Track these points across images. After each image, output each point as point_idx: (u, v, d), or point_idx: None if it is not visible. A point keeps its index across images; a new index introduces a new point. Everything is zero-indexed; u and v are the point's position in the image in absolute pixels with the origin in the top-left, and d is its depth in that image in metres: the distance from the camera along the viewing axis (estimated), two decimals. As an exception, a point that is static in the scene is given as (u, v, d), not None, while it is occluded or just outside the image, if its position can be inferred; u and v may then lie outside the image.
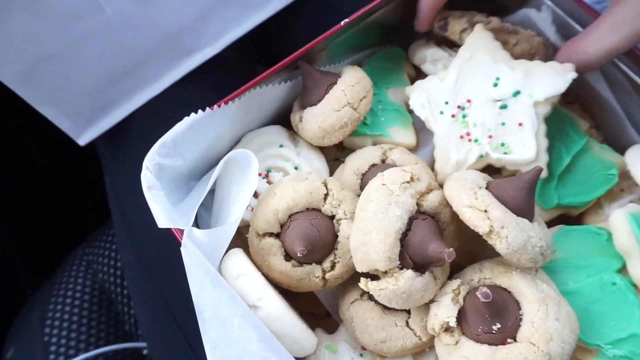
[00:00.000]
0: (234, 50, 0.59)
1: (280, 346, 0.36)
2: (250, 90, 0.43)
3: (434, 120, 0.45)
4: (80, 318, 0.67)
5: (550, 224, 0.43)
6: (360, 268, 0.37)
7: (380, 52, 0.53)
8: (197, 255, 0.37)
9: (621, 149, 0.44)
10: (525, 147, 0.41)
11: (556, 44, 0.48)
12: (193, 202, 0.41)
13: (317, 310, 0.46)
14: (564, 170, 0.44)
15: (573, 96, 0.51)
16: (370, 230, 0.36)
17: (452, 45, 0.53)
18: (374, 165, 0.45)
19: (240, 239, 0.43)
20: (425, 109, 0.45)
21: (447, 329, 0.37)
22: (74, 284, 0.70)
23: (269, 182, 0.45)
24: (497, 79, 0.43)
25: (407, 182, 0.38)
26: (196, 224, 0.47)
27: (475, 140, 0.43)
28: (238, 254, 0.40)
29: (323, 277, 0.40)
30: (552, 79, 0.42)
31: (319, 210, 0.40)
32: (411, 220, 0.37)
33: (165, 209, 0.38)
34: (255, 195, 0.44)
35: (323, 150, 0.48)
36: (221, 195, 0.44)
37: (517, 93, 0.43)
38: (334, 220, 0.40)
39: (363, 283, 0.37)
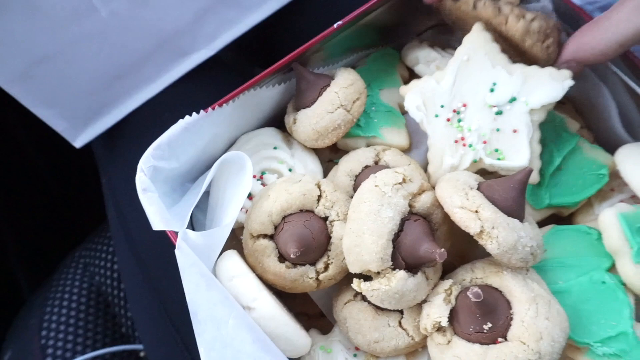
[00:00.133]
0: (231, 51, 0.59)
1: (274, 347, 0.36)
2: (244, 92, 0.44)
3: (428, 122, 0.45)
4: (77, 320, 0.67)
5: (541, 223, 0.43)
6: (353, 269, 0.37)
7: (374, 53, 0.53)
8: (191, 257, 0.37)
9: (611, 149, 0.45)
10: (519, 154, 0.42)
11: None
12: (188, 204, 0.42)
13: (311, 311, 0.46)
14: (555, 170, 0.44)
15: (565, 96, 0.51)
16: (363, 232, 0.36)
17: (445, 47, 0.53)
18: (367, 166, 0.45)
19: (235, 241, 0.44)
20: (420, 112, 0.45)
21: (439, 329, 0.37)
22: (71, 286, 0.70)
23: (263, 184, 0.45)
24: (494, 84, 0.43)
25: (399, 183, 0.38)
26: (191, 225, 0.47)
27: (470, 145, 0.43)
28: (232, 255, 0.40)
29: (317, 278, 0.40)
30: (549, 86, 0.41)
31: (313, 212, 0.41)
32: (403, 221, 0.37)
33: (159, 211, 0.39)
34: (250, 197, 0.44)
35: (317, 152, 0.48)
36: (216, 197, 0.44)
37: (513, 100, 0.42)
38: (327, 222, 0.41)
39: (356, 284, 0.37)
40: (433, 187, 0.40)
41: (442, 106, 0.45)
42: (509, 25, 0.43)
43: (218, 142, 0.46)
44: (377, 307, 0.40)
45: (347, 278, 0.41)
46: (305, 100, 0.46)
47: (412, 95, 0.46)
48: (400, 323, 0.40)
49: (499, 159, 0.42)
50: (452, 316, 0.37)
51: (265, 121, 0.50)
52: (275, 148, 0.47)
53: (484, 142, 0.43)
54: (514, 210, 0.37)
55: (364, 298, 0.41)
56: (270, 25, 0.58)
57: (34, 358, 0.64)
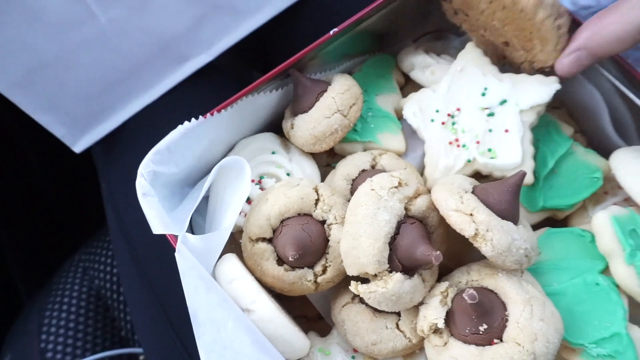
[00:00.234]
0: (228, 56, 0.60)
1: (273, 349, 0.37)
2: (242, 98, 0.44)
3: (425, 127, 0.47)
4: (77, 324, 0.67)
5: (536, 226, 0.44)
6: (350, 272, 0.38)
7: (370, 59, 0.54)
8: (191, 260, 0.38)
9: (604, 153, 0.46)
10: (511, 153, 0.43)
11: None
12: (187, 208, 0.42)
13: (310, 314, 0.46)
14: (549, 173, 0.45)
15: (558, 101, 0.52)
16: (360, 235, 0.37)
17: (441, 53, 0.54)
18: (364, 170, 0.46)
19: (234, 244, 0.44)
20: (417, 117, 0.47)
21: (436, 331, 0.38)
22: (71, 290, 0.70)
23: (261, 188, 0.46)
24: (485, 88, 0.45)
25: (395, 187, 0.39)
26: (191, 229, 0.48)
27: (464, 146, 0.44)
28: (231, 258, 0.41)
29: (315, 281, 0.41)
30: (537, 89, 0.43)
31: (310, 216, 0.41)
32: (400, 224, 0.38)
33: (159, 215, 0.39)
34: (248, 201, 0.45)
35: (314, 156, 0.49)
36: (215, 202, 0.45)
37: (503, 102, 0.44)
38: (325, 225, 0.41)
39: (353, 286, 0.38)
40: (429, 191, 0.41)
41: (437, 111, 0.46)
42: None
43: (216, 147, 0.47)
44: (375, 310, 0.40)
45: (344, 281, 0.41)
46: (303, 106, 0.47)
47: (410, 104, 0.48)
48: (397, 325, 0.40)
49: (492, 158, 0.43)
50: (449, 318, 0.37)
51: (263, 126, 0.50)
52: (273, 153, 0.48)
53: (477, 143, 0.44)
54: (508, 213, 0.38)
55: (361, 300, 0.41)
56: (267, 31, 0.59)
57: (34, 361, 0.64)
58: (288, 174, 0.47)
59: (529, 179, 0.42)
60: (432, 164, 0.45)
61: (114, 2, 0.53)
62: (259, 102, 0.46)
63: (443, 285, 0.39)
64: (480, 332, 0.36)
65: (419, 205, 0.39)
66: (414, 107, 0.48)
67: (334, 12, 0.59)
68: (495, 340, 0.36)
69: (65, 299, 0.69)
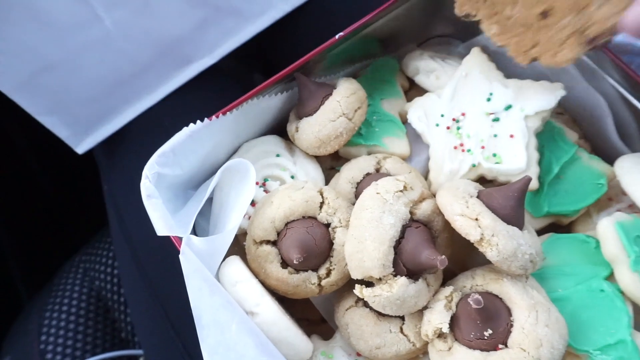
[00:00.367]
0: (232, 59, 0.60)
1: (276, 352, 0.37)
2: (247, 101, 0.44)
3: (429, 132, 0.47)
4: (77, 325, 0.67)
5: (541, 232, 0.44)
6: (355, 275, 0.38)
7: (375, 63, 0.54)
8: (195, 262, 0.38)
9: (608, 159, 0.46)
10: (516, 158, 0.43)
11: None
12: (191, 211, 0.42)
13: (313, 317, 0.46)
14: (554, 179, 0.45)
15: (563, 107, 0.52)
16: (364, 238, 0.37)
17: (445, 57, 0.54)
18: (368, 174, 0.46)
19: (238, 247, 0.44)
20: (421, 122, 0.47)
21: (440, 335, 0.37)
22: (71, 291, 0.70)
23: (266, 191, 0.46)
24: (491, 94, 0.45)
25: (401, 191, 0.39)
26: (194, 232, 0.48)
27: (468, 150, 0.44)
28: (235, 261, 0.41)
29: (319, 284, 0.41)
30: (542, 95, 0.43)
31: (315, 219, 0.41)
32: (404, 228, 0.38)
33: (164, 217, 0.39)
34: (253, 203, 0.45)
35: (319, 159, 0.49)
36: (219, 204, 0.45)
37: (509, 107, 0.44)
38: (330, 228, 0.41)
39: (358, 290, 0.38)
40: (434, 195, 0.41)
41: (442, 115, 0.46)
42: None
43: (221, 150, 0.47)
44: (379, 313, 0.40)
45: (348, 284, 0.41)
46: (308, 109, 0.47)
47: (415, 109, 0.48)
48: (401, 329, 0.40)
49: (497, 163, 0.43)
50: (453, 323, 0.37)
51: (267, 129, 0.50)
52: (277, 155, 0.48)
53: (482, 147, 0.44)
54: (513, 218, 0.38)
55: (365, 304, 0.41)
56: (269, 35, 0.59)
57: (33, 363, 0.64)
58: (292, 177, 0.47)
59: (533, 184, 0.42)
60: (437, 168, 0.45)
61: (119, 5, 0.53)
62: (263, 105, 0.46)
63: (447, 290, 0.38)
64: (485, 337, 0.36)
65: (424, 209, 0.39)
66: (418, 111, 0.48)
67: (336, 17, 0.59)
68: (500, 346, 0.36)
69: (65, 300, 0.69)
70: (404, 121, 0.50)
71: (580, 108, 0.50)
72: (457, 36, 0.58)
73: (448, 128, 0.46)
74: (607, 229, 0.39)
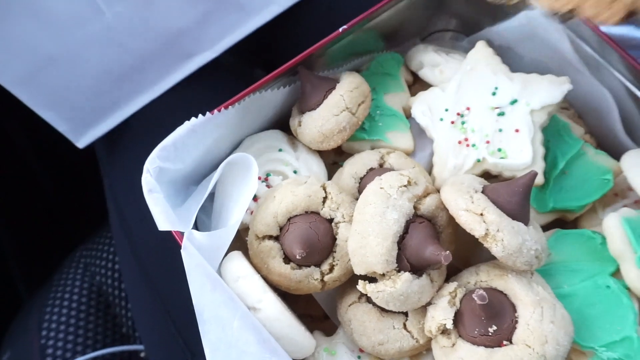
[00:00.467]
0: (233, 54, 0.60)
1: (279, 348, 0.36)
2: (249, 95, 0.44)
3: (433, 127, 0.46)
4: (78, 321, 0.67)
5: (546, 228, 0.44)
6: (358, 271, 0.37)
7: (378, 57, 0.53)
8: (197, 257, 0.37)
9: (614, 154, 0.45)
10: (521, 153, 0.42)
11: (564, 48, 0.47)
12: (193, 205, 0.42)
13: (315, 313, 0.46)
14: (559, 174, 0.45)
15: (568, 102, 0.51)
16: (368, 234, 0.36)
17: (450, 51, 0.53)
18: (372, 169, 0.45)
19: (240, 242, 0.44)
20: (425, 116, 0.47)
21: (444, 331, 0.37)
22: (72, 286, 0.70)
23: (268, 186, 0.45)
24: (496, 88, 0.45)
25: (405, 185, 0.38)
26: (196, 227, 0.47)
27: (473, 145, 0.44)
28: (237, 256, 0.40)
29: (322, 280, 0.40)
30: (548, 89, 0.43)
31: (318, 214, 0.41)
32: (408, 223, 0.37)
33: (165, 212, 0.39)
34: (255, 198, 0.44)
35: (321, 154, 0.49)
36: (221, 199, 0.44)
37: (514, 101, 0.44)
38: (333, 224, 0.41)
39: (361, 285, 0.37)
40: (438, 190, 0.40)
41: (446, 110, 0.46)
42: None
43: (223, 144, 0.46)
44: (382, 309, 0.40)
45: (351, 280, 0.41)
46: (311, 103, 0.46)
47: (419, 103, 0.48)
48: (405, 325, 0.40)
49: (502, 158, 0.43)
50: (457, 319, 0.37)
51: (270, 124, 0.50)
52: (280, 150, 0.47)
53: (487, 142, 0.43)
54: (519, 214, 0.37)
55: (368, 300, 0.41)
56: (272, 29, 0.59)
57: (34, 358, 0.64)
58: (295, 172, 0.46)
59: (539, 179, 0.42)
60: (441, 163, 0.45)
61: (120, -2, 0.53)
62: (266, 99, 0.46)
63: (451, 286, 0.38)
64: (490, 334, 0.35)
65: (428, 204, 0.39)
66: (422, 106, 0.47)
67: (337, 12, 0.59)
68: (505, 342, 0.35)
69: (66, 295, 0.69)
70: (408, 116, 0.50)
71: (585, 102, 0.49)
72: (461, 30, 0.58)
73: (452, 122, 0.45)
74: (614, 224, 0.39)
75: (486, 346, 0.36)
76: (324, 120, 0.45)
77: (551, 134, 0.45)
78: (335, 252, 0.40)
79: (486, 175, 0.44)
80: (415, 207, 0.38)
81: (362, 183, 0.45)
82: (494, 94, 0.44)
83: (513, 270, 0.38)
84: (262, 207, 0.41)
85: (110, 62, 0.56)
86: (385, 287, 0.36)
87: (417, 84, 0.54)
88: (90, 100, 0.57)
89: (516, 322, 0.36)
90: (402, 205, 0.37)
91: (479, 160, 0.43)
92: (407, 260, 0.37)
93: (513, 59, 0.50)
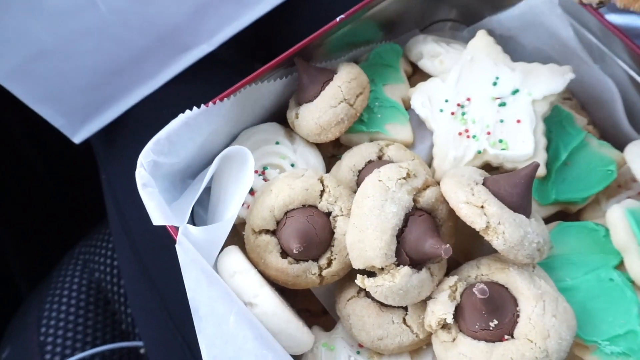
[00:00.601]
0: (230, 48, 0.59)
1: (276, 344, 0.36)
2: (245, 87, 0.43)
3: (433, 118, 0.46)
4: (77, 317, 0.66)
5: (548, 220, 0.43)
6: (356, 265, 0.37)
7: (376, 49, 0.53)
8: (192, 252, 0.37)
9: (617, 145, 0.44)
10: (523, 144, 0.41)
11: (566, 36, 0.46)
12: (189, 200, 0.41)
13: (314, 308, 0.45)
14: (562, 165, 0.44)
15: (571, 92, 0.51)
16: (366, 227, 0.36)
17: (450, 42, 0.53)
18: (370, 161, 0.44)
19: (237, 237, 0.43)
20: (425, 108, 0.46)
21: (444, 326, 0.37)
22: (71, 283, 0.69)
23: (265, 179, 0.45)
24: (497, 78, 0.44)
25: (404, 178, 0.38)
26: (192, 221, 0.47)
27: (474, 137, 0.43)
28: (234, 251, 0.40)
29: (320, 274, 0.40)
30: (550, 78, 0.42)
31: (315, 207, 0.40)
32: (407, 216, 0.37)
33: (160, 206, 0.38)
34: (252, 192, 0.44)
35: (319, 147, 0.48)
36: (217, 193, 0.44)
37: (516, 91, 0.43)
38: (331, 217, 0.40)
39: (360, 280, 0.37)
40: (438, 183, 0.40)
41: (446, 101, 0.45)
42: None
43: (218, 137, 0.46)
44: (381, 304, 0.39)
45: (350, 274, 0.40)
46: (308, 95, 0.46)
47: (418, 94, 0.47)
48: (404, 320, 0.39)
49: (503, 149, 0.42)
50: (457, 313, 0.36)
51: (266, 116, 0.49)
52: (277, 143, 0.47)
53: (488, 133, 0.43)
54: (520, 206, 0.37)
55: (367, 294, 0.40)
56: (269, 22, 0.58)
57: (33, 355, 0.64)
58: (292, 165, 0.46)
59: (541, 171, 0.41)
60: (441, 155, 0.44)
61: (115, -10, 0.52)
62: (262, 91, 0.45)
63: (452, 280, 0.37)
64: (491, 328, 0.35)
65: (428, 197, 0.38)
66: (422, 97, 0.46)
67: (337, 3, 0.58)
68: (506, 337, 0.35)
69: (65, 292, 0.68)
70: (407, 107, 0.49)
71: (589, 92, 0.48)
72: (462, 20, 0.57)
73: (453, 114, 0.44)
74: (617, 216, 0.38)
75: (487, 341, 0.35)
76: (322, 112, 0.44)
77: (553, 124, 0.45)
78: (333, 246, 0.40)
79: (487, 167, 0.43)
80: (414, 200, 0.38)
81: (360, 176, 0.44)
82: (494, 84, 0.43)
83: (514, 264, 0.37)
84: (259, 201, 0.40)
85: (105, 55, 0.56)
86: (384, 281, 0.36)
87: (417, 75, 0.53)
88: (85, 94, 0.57)
89: (518, 316, 0.35)
90: (401, 198, 0.37)
91: (479, 152, 0.43)
92: (406, 254, 0.36)
93: (515, 49, 0.50)
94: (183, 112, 0.41)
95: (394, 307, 0.39)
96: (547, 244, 0.37)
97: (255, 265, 0.40)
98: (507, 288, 0.37)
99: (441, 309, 0.36)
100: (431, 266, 0.38)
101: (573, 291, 0.38)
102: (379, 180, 0.37)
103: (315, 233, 0.39)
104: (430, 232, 0.36)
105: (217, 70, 0.60)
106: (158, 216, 0.38)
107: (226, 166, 0.42)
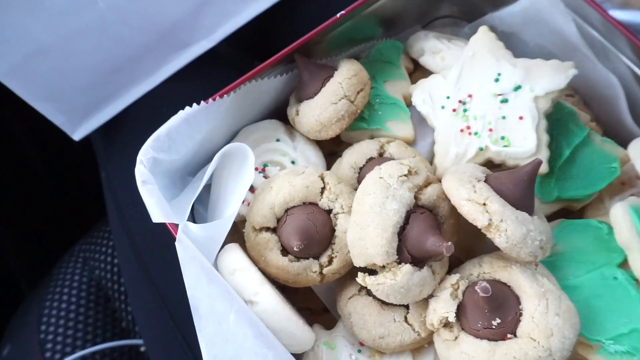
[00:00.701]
0: (230, 46, 0.59)
1: (277, 342, 0.36)
2: (245, 83, 0.43)
3: (434, 115, 0.45)
4: (77, 315, 0.66)
5: (551, 218, 0.43)
6: (358, 263, 0.37)
7: (377, 45, 0.52)
8: (192, 250, 0.36)
9: (620, 141, 0.44)
10: (525, 140, 0.41)
11: (569, 32, 0.46)
12: (188, 197, 0.41)
13: (315, 306, 0.45)
14: (565, 163, 0.43)
15: (574, 88, 0.50)
16: (367, 224, 0.36)
17: (451, 38, 0.52)
18: (371, 158, 0.44)
19: (237, 234, 0.43)
20: (426, 104, 0.46)
21: (446, 325, 0.36)
22: (71, 280, 0.69)
23: (265, 177, 0.45)
24: (499, 74, 0.43)
25: (405, 175, 0.37)
26: (192, 219, 0.47)
27: (475, 134, 0.43)
28: (234, 248, 0.39)
29: (320, 272, 0.39)
30: (553, 74, 0.42)
31: (316, 205, 0.40)
32: (409, 214, 0.36)
33: (159, 204, 0.38)
34: (252, 189, 0.43)
35: (320, 144, 0.48)
36: (217, 190, 0.43)
37: (518, 88, 0.42)
38: (331, 215, 0.40)
39: (361, 278, 0.36)
40: (439, 180, 0.39)
41: (447, 97, 0.45)
42: None
43: (219, 134, 0.45)
44: (382, 302, 0.39)
45: (351, 272, 0.40)
46: (308, 92, 0.45)
47: (419, 91, 0.47)
48: (406, 318, 0.39)
49: (505, 146, 0.41)
50: (460, 311, 0.36)
51: (267, 113, 0.49)
52: (277, 140, 0.46)
53: (490, 130, 0.42)
54: (523, 203, 0.36)
55: (368, 292, 0.40)
56: (269, 19, 0.58)
57: (33, 353, 0.64)
58: (293, 162, 0.45)
59: (543, 168, 0.41)
60: (442, 152, 0.44)
61: (114, -13, 0.52)
62: (262, 87, 0.45)
63: (454, 278, 0.37)
64: (493, 327, 0.34)
65: (430, 194, 0.38)
66: (423, 93, 0.46)
67: (335, 2, 0.58)
68: (509, 335, 0.34)
69: (65, 290, 0.68)
70: (408, 104, 0.49)
71: (591, 89, 0.48)
72: (463, 17, 0.57)
73: (454, 110, 0.44)
74: (621, 214, 0.38)
75: (490, 339, 0.35)
76: (322, 108, 0.44)
77: (556, 121, 0.44)
78: (334, 243, 0.39)
79: (489, 164, 0.43)
80: (416, 197, 0.37)
81: (361, 173, 0.44)
82: (496, 80, 0.43)
83: (517, 262, 0.37)
84: (259, 198, 0.40)
85: (105, 52, 0.55)
86: (386, 279, 0.35)
87: (418, 72, 0.52)
88: (85, 91, 0.57)
89: (520, 314, 0.35)
90: (403, 195, 0.36)
91: (481, 149, 0.42)
92: (407, 252, 0.36)
93: (517, 45, 0.49)
94: (182, 109, 0.41)
95: (396, 305, 0.39)
96: (549, 241, 0.37)
97: (255, 263, 0.39)
98: (509, 286, 0.36)
99: (443, 307, 0.36)
100: (433, 264, 0.37)
101: (576, 289, 0.38)
102: (380, 178, 0.37)
103: (316, 230, 0.38)
104: (431, 230, 0.36)
105: (216, 67, 0.60)
106: (158, 213, 0.37)
107: (226, 163, 0.42)
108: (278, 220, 0.39)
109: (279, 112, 0.49)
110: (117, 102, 0.59)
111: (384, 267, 0.36)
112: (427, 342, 0.40)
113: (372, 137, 0.47)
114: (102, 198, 0.64)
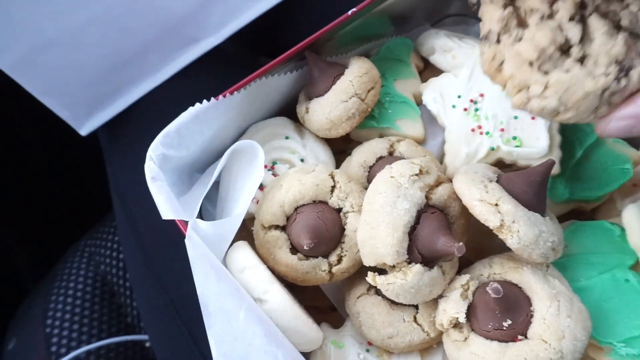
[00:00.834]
0: (236, 43, 0.58)
1: (285, 340, 0.36)
2: (255, 80, 0.43)
3: (445, 114, 0.45)
4: (82, 310, 0.66)
5: (562, 219, 0.42)
6: (367, 262, 0.36)
7: (387, 43, 0.52)
8: (201, 247, 0.36)
9: (634, 143, 0.44)
10: (537, 140, 0.41)
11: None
12: (197, 194, 0.41)
13: (322, 305, 0.45)
14: (576, 163, 0.43)
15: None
16: (378, 224, 0.35)
17: (462, 37, 0.52)
18: (381, 157, 0.44)
19: (246, 232, 0.43)
20: (437, 103, 0.45)
21: (456, 325, 0.36)
22: (76, 275, 0.69)
23: (274, 175, 0.44)
24: None
25: (416, 174, 0.37)
26: (201, 216, 0.46)
27: (487, 133, 0.42)
28: (243, 246, 0.39)
29: (329, 271, 0.39)
30: None
31: (326, 203, 0.39)
32: (420, 213, 0.36)
33: (169, 200, 0.38)
34: (261, 187, 0.43)
35: (329, 142, 0.47)
36: (226, 187, 0.43)
37: None
38: (341, 213, 0.39)
39: (371, 277, 0.36)
40: (450, 180, 0.39)
41: (459, 96, 0.45)
42: None
43: (227, 132, 0.45)
44: (391, 302, 0.39)
45: (360, 271, 0.40)
46: (318, 89, 0.45)
47: (430, 90, 0.46)
48: (415, 318, 0.39)
49: (517, 146, 0.41)
50: (470, 312, 0.36)
51: (276, 110, 0.49)
52: (287, 138, 0.46)
53: (502, 130, 0.42)
54: (535, 204, 0.36)
55: (377, 292, 0.40)
56: (277, 15, 0.57)
57: (38, 348, 0.64)
58: (302, 160, 0.45)
59: (555, 168, 0.41)
60: (453, 152, 0.43)
61: (121, -19, 0.52)
62: (272, 84, 0.45)
63: (464, 278, 0.37)
64: (504, 328, 0.34)
65: (440, 194, 0.37)
66: (434, 92, 0.46)
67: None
68: (520, 337, 0.34)
69: (70, 285, 0.68)
70: (419, 103, 0.48)
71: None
72: (474, 15, 0.56)
73: (465, 110, 0.44)
74: (634, 216, 0.38)
75: (500, 341, 0.34)
76: (332, 106, 0.43)
77: (568, 121, 0.44)
78: (343, 242, 0.39)
79: (500, 164, 0.42)
80: (426, 197, 0.37)
81: (371, 172, 0.43)
82: (509, 79, 0.42)
83: (528, 263, 0.36)
84: (269, 196, 0.40)
85: (111, 47, 0.55)
86: (396, 279, 0.35)
87: (428, 70, 0.52)
88: (91, 86, 0.56)
89: (532, 316, 0.35)
90: (414, 194, 0.36)
91: (492, 149, 0.42)
92: (418, 252, 0.36)
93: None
94: (189, 105, 0.41)
95: (405, 305, 0.39)
96: (561, 243, 0.36)
97: (264, 261, 0.39)
98: (520, 287, 0.36)
99: (453, 307, 0.36)
100: (443, 264, 0.37)
101: (588, 291, 0.37)
102: (391, 177, 0.37)
103: (325, 229, 0.38)
104: (442, 230, 0.36)
105: (223, 64, 0.59)
106: (167, 210, 0.37)
107: (235, 160, 0.42)
108: (287, 218, 0.39)
109: (289, 110, 0.49)
110: (124, 97, 0.58)
111: (394, 266, 0.35)
112: (436, 343, 0.40)
113: (381, 136, 0.47)
114: (108, 193, 0.64)
